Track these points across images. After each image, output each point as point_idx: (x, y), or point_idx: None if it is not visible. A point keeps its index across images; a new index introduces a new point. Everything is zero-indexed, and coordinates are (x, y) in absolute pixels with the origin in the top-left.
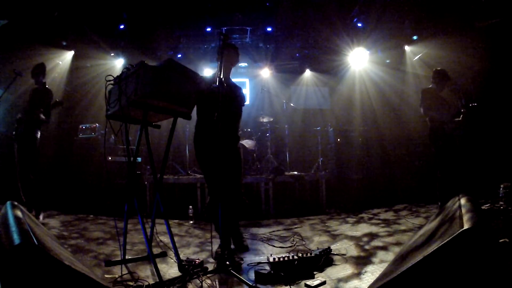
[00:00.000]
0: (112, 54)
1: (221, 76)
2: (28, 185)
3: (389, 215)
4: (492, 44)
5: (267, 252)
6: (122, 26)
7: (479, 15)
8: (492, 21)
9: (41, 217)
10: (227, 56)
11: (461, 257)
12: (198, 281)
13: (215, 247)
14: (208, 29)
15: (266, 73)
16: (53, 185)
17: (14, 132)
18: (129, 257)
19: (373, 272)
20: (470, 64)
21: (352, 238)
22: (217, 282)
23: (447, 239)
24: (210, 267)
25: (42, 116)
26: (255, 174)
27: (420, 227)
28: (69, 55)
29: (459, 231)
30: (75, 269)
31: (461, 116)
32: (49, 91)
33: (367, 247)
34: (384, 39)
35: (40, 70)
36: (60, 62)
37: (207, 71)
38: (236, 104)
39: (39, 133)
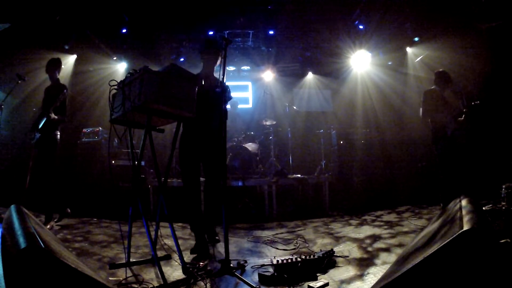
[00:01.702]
0: (115, 58)
1: (224, 80)
2: (49, 191)
3: (391, 217)
4: (494, 45)
5: (270, 254)
6: (124, 30)
7: (481, 16)
8: (493, 23)
9: (52, 223)
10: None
11: (461, 258)
12: (203, 284)
13: (219, 249)
14: (210, 33)
15: (268, 76)
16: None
17: (32, 141)
18: (134, 260)
19: (375, 274)
20: (472, 66)
21: (355, 240)
22: (221, 285)
23: (447, 240)
24: (214, 269)
25: (54, 116)
26: (258, 177)
27: (422, 228)
28: (71, 58)
29: (459, 232)
30: (82, 272)
31: (463, 116)
32: (63, 86)
33: (370, 249)
34: (385, 41)
35: (55, 65)
36: (63, 66)
37: None
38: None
39: (58, 134)
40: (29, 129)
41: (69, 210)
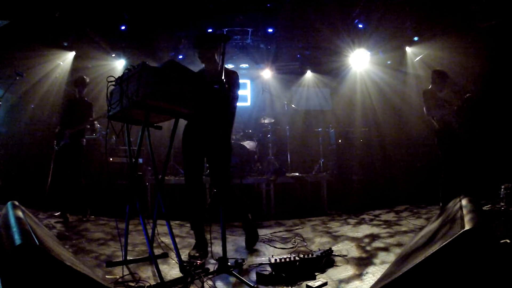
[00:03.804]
0: (113, 55)
1: (223, 78)
2: (79, 190)
3: (390, 216)
4: (493, 45)
5: (268, 253)
6: (123, 27)
7: (480, 16)
8: (493, 22)
9: (88, 215)
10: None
11: (463, 258)
12: (200, 282)
13: (216, 248)
14: (209, 30)
15: (267, 74)
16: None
17: (55, 145)
18: (130, 258)
19: (374, 273)
20: (471, 65)
21: (353, 239)
22: (218, 283)
23: (449, 240)
24: (212, 268)
25: (89, 126)
26: (256, 175)
27: (421, 228)
28: (70, 55)
29: (460, 232)
30: (77, 270)
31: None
32: (89, 104)
33: (368, 248)
34: (385, 40)
35: (84, 83)
36: (61, 63)
37: None
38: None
39: (84, 141)
40: (54, 137)
41: (68, 215)
